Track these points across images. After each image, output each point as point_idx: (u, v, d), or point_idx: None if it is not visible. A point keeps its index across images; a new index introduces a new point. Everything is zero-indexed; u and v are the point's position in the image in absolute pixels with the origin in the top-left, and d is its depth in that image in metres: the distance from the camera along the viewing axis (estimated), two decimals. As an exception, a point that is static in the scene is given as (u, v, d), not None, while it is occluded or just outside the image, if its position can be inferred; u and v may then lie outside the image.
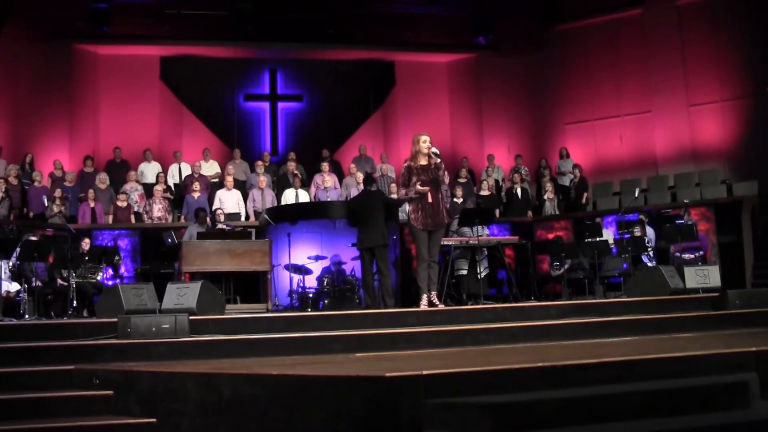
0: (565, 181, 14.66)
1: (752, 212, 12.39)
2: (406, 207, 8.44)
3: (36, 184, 12.89)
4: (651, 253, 11.14)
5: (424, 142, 8.05)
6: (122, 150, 14.54)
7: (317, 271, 11.07)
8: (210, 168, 14.20)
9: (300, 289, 10.77)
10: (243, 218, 12.66)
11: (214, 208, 12.48)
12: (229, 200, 12.52)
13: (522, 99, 16.56)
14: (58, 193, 12.43)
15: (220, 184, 13.25)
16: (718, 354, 4.84)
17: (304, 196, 12.86)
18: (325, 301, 10.57)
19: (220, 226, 11.36)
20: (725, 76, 14.51)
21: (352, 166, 13.89)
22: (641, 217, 11.73)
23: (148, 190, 13.33)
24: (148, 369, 5.31)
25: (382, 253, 9.07)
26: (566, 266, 11.65)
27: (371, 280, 9.12)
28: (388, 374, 4.04)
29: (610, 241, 11.19)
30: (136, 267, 12.04)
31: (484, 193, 13.50)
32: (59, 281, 10.32)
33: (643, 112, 15.33)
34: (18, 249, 9.24)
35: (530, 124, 16.47)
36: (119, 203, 12.77)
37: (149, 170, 14.14)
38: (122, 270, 11.74)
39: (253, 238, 11.55)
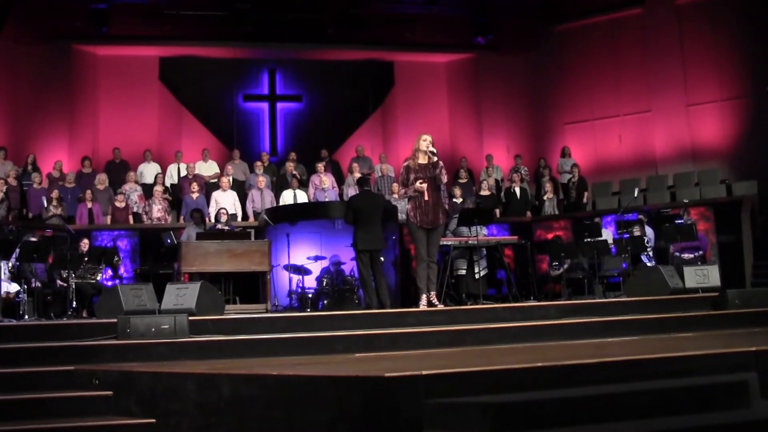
0: (565, 179, 14.65)
1: (752, 212, 12.39)
2: (405, 206, 8.43)
3: (35, 185, 12.89)
4: (650, 253, 11.13)
5: (424, 141, 8.10)
6: (121, 150, 14.54)
7: (316, 271, 11.06)
8: (209, 168, 14.20)
9: (299, 290, 10.77)
10: (240, 219, 12.65)
11: (210, 209, 12.49)
12: (224, 201, 12.50)
13: (521, 99, 16.55)
14: (55, 194, 12.42)
15: (218, 185, 13.21)
16: (717, 353, 4.84)
17: (302, 197, 12.85)
18: (325, 302, 10.57)
19: (219, 226, 11.36)
20: (725, 76, 14.51)
21: (355, 165, 13.86)
22: (640, 216, 11.73)
23: (147, 190, 13.32)
24: (147, 369, 5.31)
25: (378, 256, 9.07)
26: (565, 266, 11.65)
27: (370, 280, 9.08)
28: (387, 374, 4.04)
29: (610, 240, 11.18)
30: (136, 268, 12.03)
31: (484, 193, 13.49)
32: (59, 282, 10.31)
33: (643, 111, 15.32)
34: (17, 250, 9.23)
35: (529, 124, 16.46)
36: (117, 204, 12.75)
37: (148, 171, 14.14)
38: (121, 271, 11.74)
39: (252, 238, 11.54)
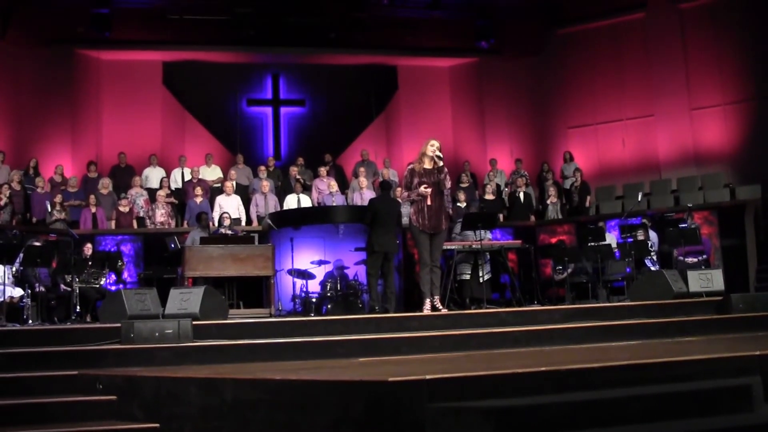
0: (567, 184, 14.63)
1: (755, 216, 12.39)
2: (409, 210, 8.46)
3: (39, 189, 12.90)
4: (654, 257, 11.12)
5: (431, 146, 8.12)
6: (126, 155, 14.56)
7: (320, 275, 11.07)
8: (212, 173, 14.23)
9: (303, 294, 10.78)
10: (243, 223, 12.65)
11: (214, 213, 12.50)
12: (228, 205, 12.51)
13: (524, 103, 16.55)
14: (58, 198, 12.44)
15: (222, 190, 13.23)
16: (721, 358, 4.83)
17: (306, 201, 12.86)
18: (329, 306, 10.57)
19: (222, 230, 11.36)
20: (728, 80, 14.49)
21: (361, 170, 13.84)
22: (644, 220, 11.72)
23: (153, 195, 13.35)
24: (151, 374, 5.31)
25: (392, 258, 9.16)
26: (569, 270, 11.64)
27: (376, 285, 9.12)
28: (391, 379, 4.04)
29: (613, 245, 11.18)
30: (139, 272, 12.04)
31: (489, 197, 13.47)
32: (62, 286, 10.33)
33: (646, 115, 15.31)
34: (21, 254, 9.25)
35: (533, 128, 16.46)
36: (121, 208, 12.77)
37: (154, 175, 14.17)
38: (125, 275, 11.74)
39: (256, 243, 11.55)
